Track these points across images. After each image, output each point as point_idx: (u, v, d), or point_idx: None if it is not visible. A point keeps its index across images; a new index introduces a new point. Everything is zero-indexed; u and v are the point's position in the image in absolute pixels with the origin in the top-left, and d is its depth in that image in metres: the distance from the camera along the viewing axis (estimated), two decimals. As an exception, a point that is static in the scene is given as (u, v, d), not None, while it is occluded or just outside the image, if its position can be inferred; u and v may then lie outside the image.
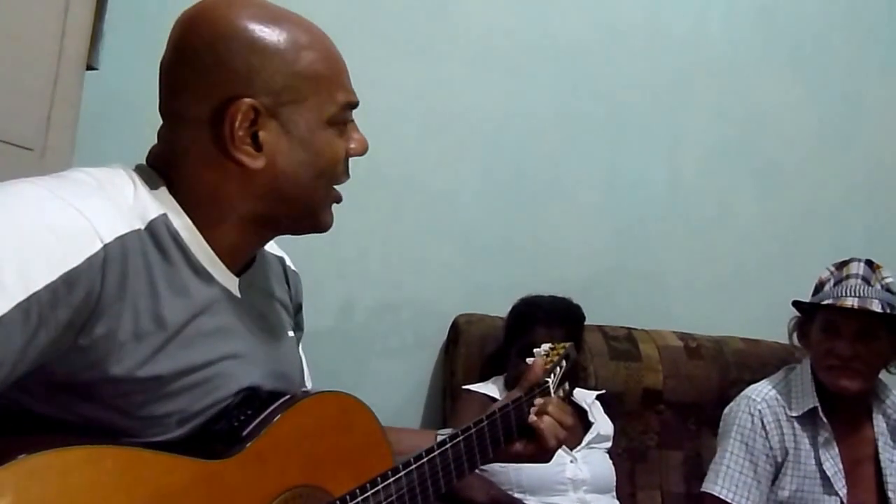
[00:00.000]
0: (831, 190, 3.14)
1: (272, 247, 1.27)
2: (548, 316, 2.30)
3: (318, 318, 2.16)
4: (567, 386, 1.57)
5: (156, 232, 0.98)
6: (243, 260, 1.12)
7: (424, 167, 2.58)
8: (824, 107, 3.15)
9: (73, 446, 0.86)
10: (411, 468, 1.17)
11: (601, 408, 2.42)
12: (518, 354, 2.27)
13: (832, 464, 2.18)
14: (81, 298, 0.88)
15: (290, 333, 1.25)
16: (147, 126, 2.34)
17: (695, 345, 2.75)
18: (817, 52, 3.13)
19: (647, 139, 2.92)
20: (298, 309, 1.34)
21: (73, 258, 0.87)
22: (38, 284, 0.84)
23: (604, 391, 2.48)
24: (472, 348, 2.50)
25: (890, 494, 2.20)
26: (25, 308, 0.83)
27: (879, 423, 2.26)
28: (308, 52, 1.06)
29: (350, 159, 1.14)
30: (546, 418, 1.37)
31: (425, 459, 1.19)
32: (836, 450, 2.19)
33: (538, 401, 1.41)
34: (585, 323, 2.43)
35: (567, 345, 1.62)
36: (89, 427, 0.93)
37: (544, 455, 1.39)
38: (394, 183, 2.53)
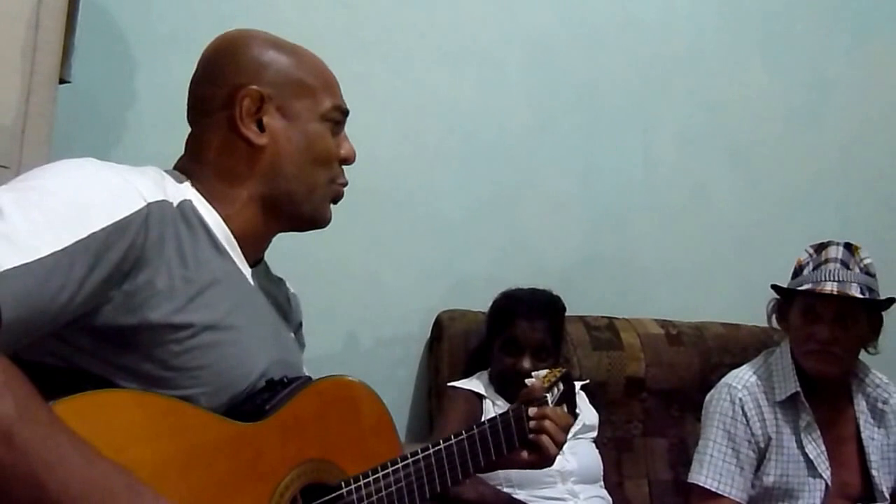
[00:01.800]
0: (804, 172, 3.16)
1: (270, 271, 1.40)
2: (528, 309, 2.30)
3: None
4: (564, 408, 1.63)
5: (184, 211, 1.13)
6: (256, 249, 1.28)
7: (401, 165, 2.57)
8: (793, 90, 3.16)
9: (123, 388, 0.99)
10: (419, 457, 1.28)
11: (586, 398, 2.43)
12: (501, 349, 2.30)
13: (814, 447, 2.20)
14: (128, 245, 1.01)
15: (291, 335, 1.39)
16: (120, 137, 2.34)
17: (675, 331, 2.76)
18: (784, 37, 3.15)
19: (621, 129, 2.92)
20: (299, 327, 1.46)
21: (124, 209, 1.01)
22: (97, 226, 0.97)
23: (587, 381, 2.48)
24: (455, 344, 2.49)
25: (873, 472, 2.22)
26: (86, 244, 0.96)
27: (860, 403, 2.28)
28: (308, 62, 1.29)
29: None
30: (546, 424, 1.49)
31: (431, 451, 1.30)
32: (818, 432, 2.21)
33: (533, 410, 1.52)
34: (566, 314, 2.42)
35: (563, 369, 1.71)
36: (130, 378, 1.02)
37: (547, 462, 1.52)
38: (371, 181, 2.50)
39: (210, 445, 1.02)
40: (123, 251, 1.00)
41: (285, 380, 1.17)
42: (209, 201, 1.19)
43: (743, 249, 3.04)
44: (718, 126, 3.06)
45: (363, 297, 2.54)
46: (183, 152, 1.28)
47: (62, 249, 0.93)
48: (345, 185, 1.34)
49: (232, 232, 1.20)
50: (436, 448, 1.31)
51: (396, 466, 1.23)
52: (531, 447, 1.50)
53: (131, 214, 1.02)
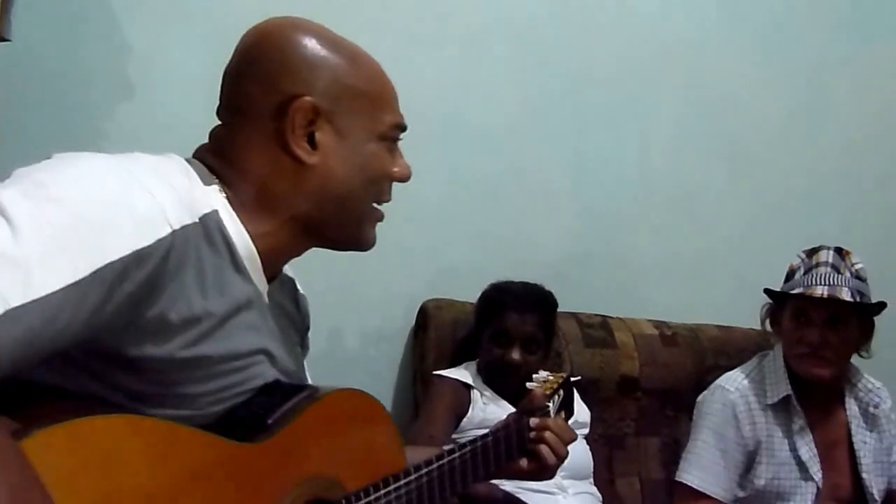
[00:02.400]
0: (802, 174, 3.14)
1: (286, 266, 1.31)
2: (519, 301, 2.29)
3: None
4: (564, 414, 1.63)
5: (208, 227, 1.03)
6: (278, 266, 1.19)
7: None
8: (792, 90, 3.14)
9: (118, 414, 0.92)
10: (421, 472, 1.23)
11: (577, 394, 2.42)
12: (490, 339, 2.29)
13: (807, 450, 2.21)
14: (145, 277, 0.92)
15: (298, 349, 1.32)
16: (63, 97, 2.24)
17: (670, 332, 2.76)
18: (784, 33, 3.13)
19: (614, 122, 2.90)
20: (306, 331, 1.40)
21: (146, 238, 0.92)
22: (115, 255, 0.88)
23: (580, 377, 2.47)
24: (442, 333, 2.48)
25: (864, 475, 2.24)
26: (101, 275, 0.87)
27: (852, 407, 2.30)
28: (366, 71, 1.18)
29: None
30: (547, 435, 1.46)
31: (434, 465, 1.25)
32: (811, 435, 2.22)
33: (534, 421, 1.48)
34: (559, 310, 2.42)
35: (564, 373, 1.70)
36: (129, 399, 0.97)
37: (546, 473, 1.49)
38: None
39: (208, 469, 0.98)
40: (139, 283, 0.92)
41: (283, 383, 1.13)
42: (240, 213, 1.09)
43: (739, 251, 3.03)
44: (716, 125, 3.04)
45: (346, 285, 2.51)
46: (207, 142, 1.17)
47: (75, 283, 0.85)
48: (388, 200, 1.23)
49: (258, 250, 1.10)
50: (438, 462, 1.27)
51: (399, 483, 1.19)
52: (531, 457, 1.47)
53: (154, 243, 0.92)
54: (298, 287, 1.37)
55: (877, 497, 2.23)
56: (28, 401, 0.88)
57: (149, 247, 0.92)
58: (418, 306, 2.56)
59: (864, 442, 2.26)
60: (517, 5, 2.77)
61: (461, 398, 2.27)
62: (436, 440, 2.15)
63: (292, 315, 1.31)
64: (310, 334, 1.40)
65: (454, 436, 2.24)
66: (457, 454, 1.31)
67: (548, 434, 1.46)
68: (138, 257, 0.90)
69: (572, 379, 2.44)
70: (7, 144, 1.98)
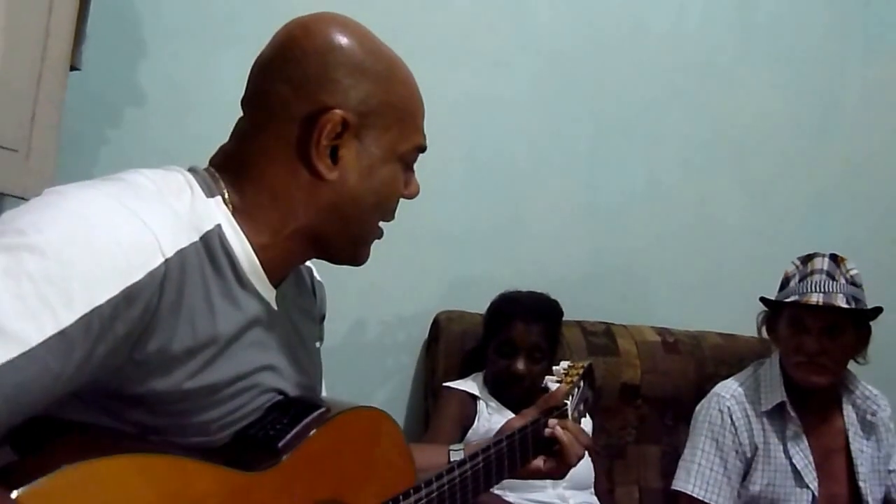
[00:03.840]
0: (809, 186, 3.16)
1: None
2: (526, 311, 2.30)
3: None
4: (582, 407, 1.59)
5: (210, 244, 0.99)
6: (284, 274, 1.14)
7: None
8: (802, 105, 3.17)
9: (123, 454, 0.88)
10: (432, 487, 1.20)
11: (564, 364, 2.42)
12: (496, 350, 2.30)
13: (802, 457, 2.21)
14: (139, 313, 0.89)
15: (317, 344, 1.30)
16: (127, 126, 2.34)
17: (672, 340, 2.75)
18: (795, 51, 3.16)
19: (627, 137, 2.93)
20: (321, 319, 1.37)
21: (136, 273, 0.88)
22: (102, 298, 0.84)
23: (590, 361, 2.47)
24: (452, 345, 2.49)
25: (861, 483, 2.23)
26: (87, 321, 0.83)
27: (849, 414, 2.29)
28: (401, 87, 1.13)
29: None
30: (562, 434, 1.43)
31: (445, 479, 1.23)
32: (806, 443, 2.22)
33: (552, 421, 1.45)
34: (564, 318, 2.43)
35: (584, 364, 1.66)
36: (134, 430, 0.95)
37: (562, 470, 1.46)
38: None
39: (217, 502, 0.96)
40: (133, 321, 0.88)
41: (296, 401, 1.11)
42: (243, 223, 1.05)
43: (744, 261, 3.04)
44: (725, 137, 3.06)
45: (362, 299, 2.54)
46: (229, 140, 1.13)
47: (59, 332, 0.81)
48: (392, 219, 1.20)
49: (261, 261, 1.06)
50: (450, 475, 1.24)
51: (409, 500, 1.16)
52: (548, 454, 1.45)
53: (144, 277, 0.88)
54: (316, 275, 1.35)
55: (874, 506, 2.23)
56: (40, 437, 0.87)
57: (139, 282, 0.88)
58: (432, 318, 2.58)
59: (861, 450, 2.25)
60: (538, 29, 2.80)
61: (467, 409, 2.28)
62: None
63: (307, 308, 1.28)
64: (324, 340, 1.39)
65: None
66: (468, 466, 1.28)
67: (564, 433, 1.43)
68: (128, 296, 0.86)
69: (584, 364, 2.46)
70: (75, 166, 2.02)
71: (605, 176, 2.91)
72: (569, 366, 1.63)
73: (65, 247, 0.84)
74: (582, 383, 1.60)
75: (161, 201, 0.96)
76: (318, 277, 1.35)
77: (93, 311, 0.84)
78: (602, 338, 2.68)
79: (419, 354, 2.63)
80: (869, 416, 2.28)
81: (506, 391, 2.30)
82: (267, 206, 1.07)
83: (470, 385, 2.33)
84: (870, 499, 2.22)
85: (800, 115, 3.17)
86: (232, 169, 1.08)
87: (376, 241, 1.20)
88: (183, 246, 0.94)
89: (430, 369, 2.53)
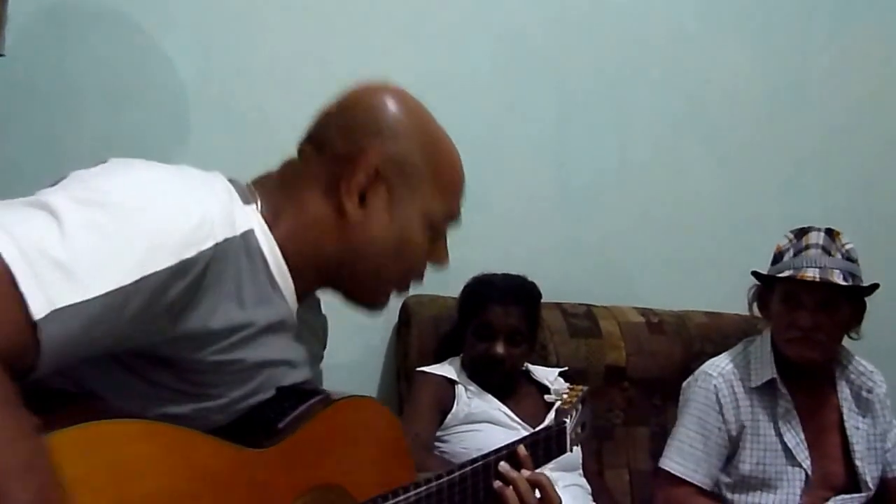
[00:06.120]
0: (784, 157, 3.12)
1: None
2: (502, 294, 2.27)
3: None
4: (580, 430, 1.61)
5: (248, 243, 1.06)
6: (300, 293, 1.18)
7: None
8: (772, 75, 3.12)
9: (133, 419, 0.94)
10: (432, 484, 1.22)
11: (564, 385, 2.39)
12: (474, 334, 2.27)
13: (793, 435, 2.19)
14: (186, 286, 0.95)
15: (318, 368, 1.36)
16: (56, 112, 2.29)
17: (657, 320, 2.73)
18: (764, 20, 3.10)
19: (595, 111, 2.87)
20: (324, 347, 1.41)
21: (192, 249, 0.95)
22: (160, 265, 0.92)
23: (566, 368, 2.46)
24: (425, 330, 2.46)
25: (857, 462, 2.21)
26: (145, 284, 0.90)
27: (843, 390, 2.27)
28: (442, 157, 1.23)
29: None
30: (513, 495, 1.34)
31: (445, 478, 1.23)
32: (798, 420, 2.20)
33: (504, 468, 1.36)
34: (543, 300, 2.40)
35: (583, 388, 1.70)
36: (156, 391, 1.00)
37: None
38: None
39: (218, 476, 1.01)
40: (180, 292, 0.95)
41: (299, 388, 1.15)
42: (279, 237, 1.11)
43: (724, 236, 3.00)
44: (697, 112, 3.01)
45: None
46: (275, 170, 1.20)
47: (119, 289, 0.88)
48: (420, 282, 1.28)
49: (289, 268, 1.12)
50: (449, 476, 1.24)
51: (409, 493, 1.18)
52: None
53: (197, 255, 0.96)
54: (322, 307, 1.38)
55: (870, 485, 2.20)
56: (50, 403, 0.90)
57: (192, 258, 0.95)
58: (401, 303, 2.53)
59: (856, 427, 2.23)
60: (497, 5, 2.74)
61: (445, 394, 2.27)
62: (421, 438, 2.16)
63: (317, 332, 1.34)
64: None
65: (438, 433, 2.23)
66: (468, 466, 1.28)
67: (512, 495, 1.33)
68: (182, 268, 0.94)
69: (559, 370, 2.42)
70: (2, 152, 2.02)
71: (575, 154, 2.85)
72: (569, 388, 1.70)
73: (134, 212, 0.92)
74: (580, 406, 1.62)
75: (213, 193, 1.03)
76: (323, 310, 1.39)
77: (151, 274, 0.91)
78: (583, 319, 2.65)
79: (389, 339, 2.61)
80: (864, 393, 2.26)
81: (486, 375, 2.28)
82: (295, 228, 1.13)
83: (447, 369, 2.32)
84: (867, 478, 2.20)
85: (770, 85, 3.12)
86: (270, 186, 1.16)
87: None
88: (228, 236, 1.01)
89: (402, 354, 2.51)
